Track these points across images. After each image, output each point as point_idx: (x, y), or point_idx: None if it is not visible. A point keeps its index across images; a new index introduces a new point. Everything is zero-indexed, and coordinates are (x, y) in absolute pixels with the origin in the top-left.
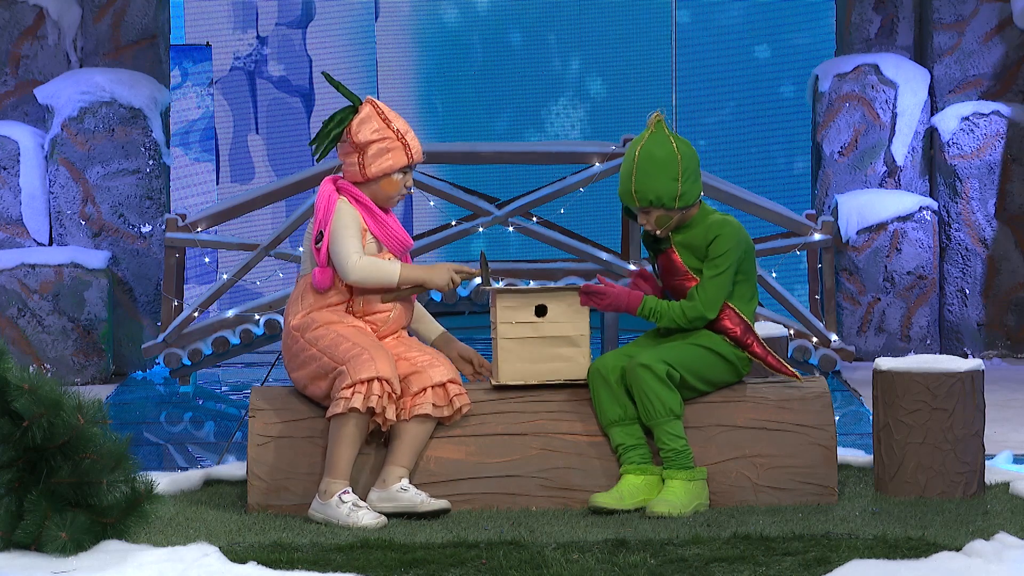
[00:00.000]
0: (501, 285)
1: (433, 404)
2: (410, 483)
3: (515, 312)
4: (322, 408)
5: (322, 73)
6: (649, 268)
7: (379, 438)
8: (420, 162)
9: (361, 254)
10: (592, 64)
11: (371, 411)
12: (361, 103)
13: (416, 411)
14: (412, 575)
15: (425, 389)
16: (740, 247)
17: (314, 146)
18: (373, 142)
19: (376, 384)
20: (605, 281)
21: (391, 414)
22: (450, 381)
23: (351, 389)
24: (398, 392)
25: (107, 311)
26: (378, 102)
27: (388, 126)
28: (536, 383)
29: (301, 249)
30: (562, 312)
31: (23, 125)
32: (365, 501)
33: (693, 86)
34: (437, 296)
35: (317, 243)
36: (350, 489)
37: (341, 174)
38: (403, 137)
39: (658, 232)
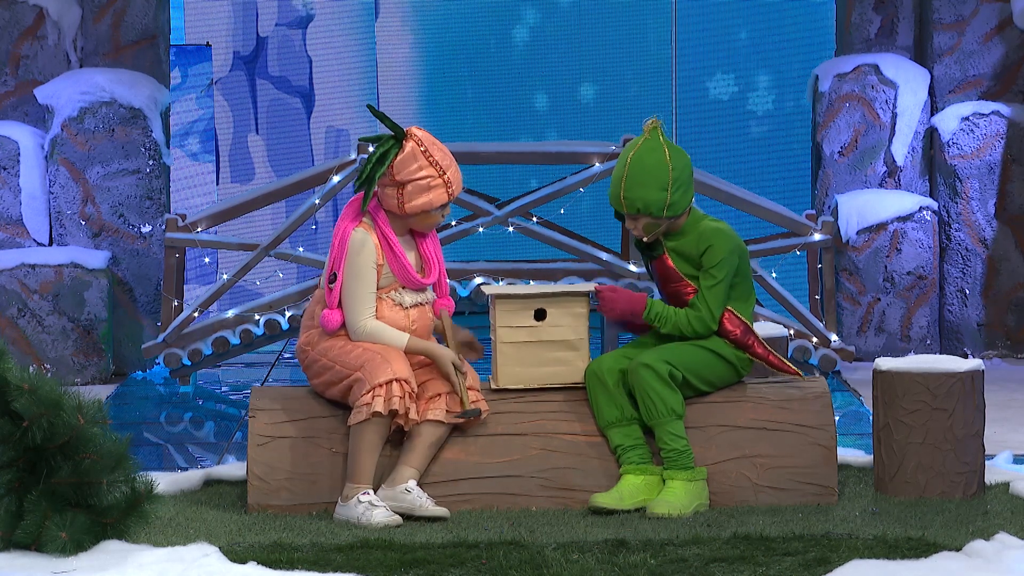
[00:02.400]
0: (502, 285)
1: (447, 410)
2: (418, 484)
3: (514, 316)
4: (324, 407)
5: (367, 106)
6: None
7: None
8: (459, 193)
9: (372, 316)
10: (592, 64)
11: (392, 413)
12: (404, 134)
13: (429, 415)
14: (412, 575)
15: (440, 394)
16: (734, 254)
17: (361, 188)
18: (413, 181)
19: (396, 385)
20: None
21: (414, 414)
22: (468, 388)
23: (371, 394)
24: (416, 390)
25: (107, 311)
26: (421, 134)
27: (431, 163)
28: (535, 387)
29: (301, 249)
30: (561, 316)
31: (23, 125)
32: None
33: (693, 86)
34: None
35: (331, 283)
36: (370, 490)
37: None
38: (444, 174)
39: (645, 239)
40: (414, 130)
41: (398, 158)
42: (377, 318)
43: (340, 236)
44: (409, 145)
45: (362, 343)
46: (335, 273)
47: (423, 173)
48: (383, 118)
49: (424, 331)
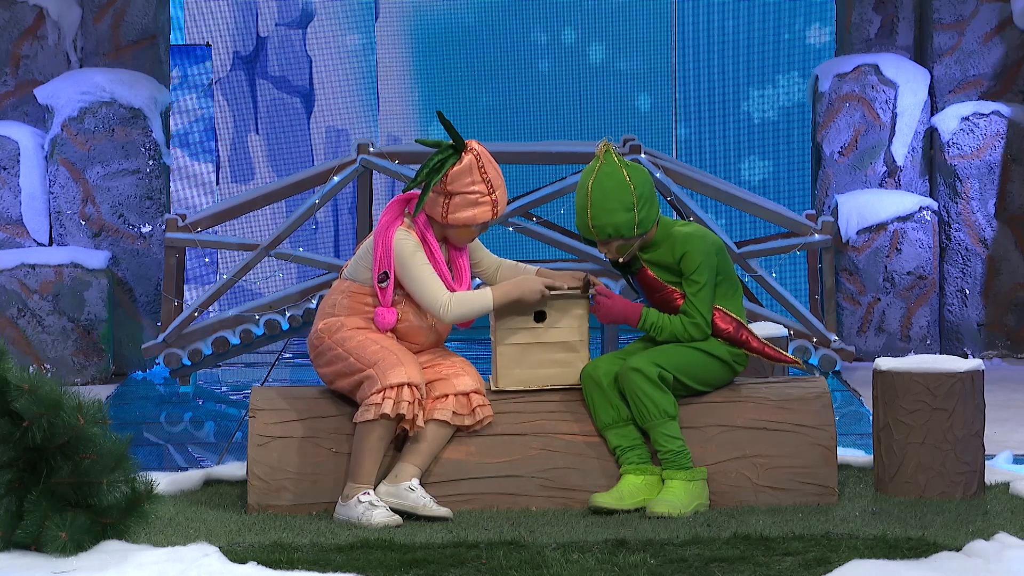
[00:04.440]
0: None
1: (453, 412)
2: (420, 484)
3: (514, 317)
4: (325, 407)
5: (437, 112)
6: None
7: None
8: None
9: (447, 292)
10: (592, 63)
11: (399, 417)
12: (465, 146)
13: (435, 415)
14: (412, 575)
15: (447, 395)
16: (711, 255)
17: (412, 189)
18: (463, 193)
19: (407, 390)
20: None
21: (421, 421)
22: (474, 391)
23: (381, 394)
24: (425, 396)
25: (107, 311)
26: (480, 150)
27: (484, 180)
28: (535, 388)
29: (301, 249)
30: (561, 317)
31: (23, 125)
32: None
33: (693, 86)
34: None
35: (381, 282)
36: (371, 491)
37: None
38: (493, 193)
39: (621, 259)
40: (474, 144)
41: (454, 168)
42: (399, 319)
43: (383, 235)
44: (468, 158)
45: (379, 340)
46: (385, 272)
47: (474, 188)
48: (449, 127)
49: (442, 335)
